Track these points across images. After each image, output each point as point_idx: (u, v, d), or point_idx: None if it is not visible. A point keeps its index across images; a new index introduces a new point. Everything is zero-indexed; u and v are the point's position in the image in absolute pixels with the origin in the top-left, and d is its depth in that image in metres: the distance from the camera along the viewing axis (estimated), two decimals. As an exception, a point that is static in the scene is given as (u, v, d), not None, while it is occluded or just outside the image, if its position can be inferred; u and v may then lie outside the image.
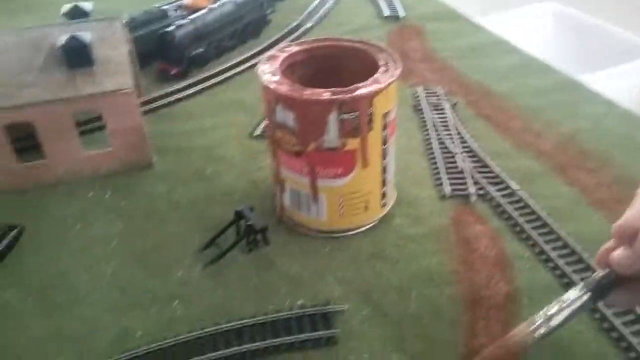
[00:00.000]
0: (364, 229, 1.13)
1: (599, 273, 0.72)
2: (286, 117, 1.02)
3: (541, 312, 0.73)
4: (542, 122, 1.45)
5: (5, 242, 1.12)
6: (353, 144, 1.02)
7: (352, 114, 0.98)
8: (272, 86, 1.01)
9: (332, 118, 0.99)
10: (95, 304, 1.02)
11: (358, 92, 0.97)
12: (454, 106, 1.50)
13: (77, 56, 1.28)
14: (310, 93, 0.98)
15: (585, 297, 0.71)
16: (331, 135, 1.01)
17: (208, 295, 1.02)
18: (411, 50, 1.83)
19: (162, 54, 1.73)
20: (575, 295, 0.71)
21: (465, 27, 2.00)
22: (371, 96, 0.98)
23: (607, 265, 0.71)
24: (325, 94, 0.97)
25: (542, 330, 0.72)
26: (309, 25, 2.03)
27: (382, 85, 0.98)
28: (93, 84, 1.27)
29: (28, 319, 0.99)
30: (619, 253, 0.68)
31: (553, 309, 0.72)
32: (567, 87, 1.61)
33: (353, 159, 1.04)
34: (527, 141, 1.38)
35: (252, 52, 1.85)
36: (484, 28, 1.97)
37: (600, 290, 0.71)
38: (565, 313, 0.71)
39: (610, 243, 0.72)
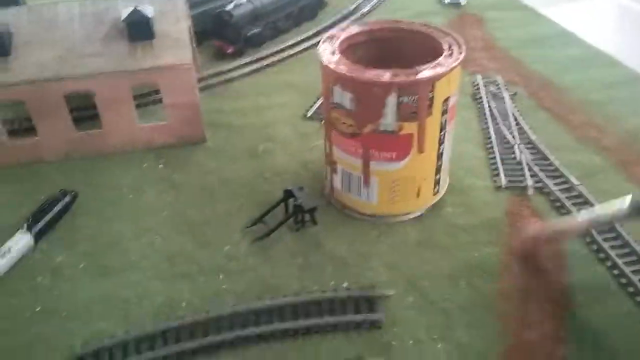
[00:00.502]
0: (414, 215, 1.11)
1: None
2: (343, 97, 1.00)
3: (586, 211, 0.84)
4: (605, 116, 1.39)
5: (58, 207, 1.15)
6: (410, 128, 0.99)
7: (412, 97, 0.96)
8: (331, 65, 1.00)
9: (391, 100, 0.97)
10: (144, 271, 1.03)
11: (420, 75, 0.95)
12: (513, 96, 1.45)
13: (139, 29, 1.30)
14: (369, 74, 0.97)
15: (628, 210, 0.74)
16: (388, 118, 0.99)
17: (254, 271, 1.02)
18: (472, 39, 1.78)
19: (219, 32, 1.74)
20: (622, 205, 0.75)
21: (528, 16, 1.94)
22: (433, 80, 0.95)
23: None
24: (385, 76, 0.95)
25: (586, 222, 0.81)
26: (366, 9, 2.01)
27: (445, 69, 0.96)
28: (153, 57, 1.29)
29: (78, 281, 1.01)
30: None
31: (599, 210, 0.79)
32: (632, 81, 1.53)
33: (409, 143, 1.01)
34: (589, 135, 1.32)
35: (307, 34, 1.83)
36: (547, 18, 1.90)
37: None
38: (608, 215, 0.77)
39: None
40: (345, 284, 0.98)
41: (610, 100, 1.44)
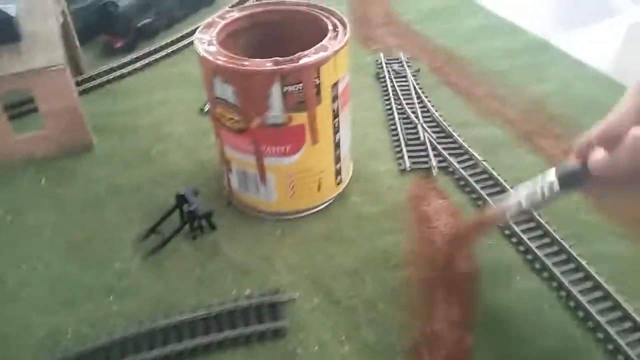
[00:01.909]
0: (317, 209, 1.05)
1: (572, 164, 0.68)
2: (226, 90, 0.93)
3: (512, 192, 0.77)
4: (508, 86, 1.37)
5: None
6: (300, 118, 0.93)
7: (296, 85, 0.89)
8: (209, 57, 0.92)
9: (275, 91, 0.90)
10: (24, 302, 0.93)
11: (302, 62, 0.88)
12: (416, 73, 1.42)
13: (1, 31, 1.17)
14: (250, 64, 0.89)
15: (555, 186, 0.69)
16: (275, 110, 0.92)
17: (147, 289, 0.94)
18: (373, 15, 1.74)
19: (107, 25, 1.61)
20: (547, 183, 0.70)
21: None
22: (317, 65, 0.89)
23: (583, 161, 0.66)
24: (267, 65, 0.88)
25: (511, 212, 0.76)
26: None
27: (328, 53, 0.90)
28: (20, 62, 1.16)
29: (-51, 322, 0.90)
30: (597, 157, 0.62)
31: (523, 192, 0.73)
32: (535, 48, 1.53)
33: (301, 134, 0.95)
34: (492, 108, 1.30)
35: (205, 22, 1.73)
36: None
37: (569, 182, 0.69)
38: (535, 198, 0.71)
39: (591, 136, 0.66)
40: (247, 292, 0.91)
41: (513, 69, 1.43)
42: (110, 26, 1.58)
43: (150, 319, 0.88)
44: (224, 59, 0.91)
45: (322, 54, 0.89)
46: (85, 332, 0.87)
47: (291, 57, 0.89)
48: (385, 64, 1.44)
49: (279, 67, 0.88)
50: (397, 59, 1.48)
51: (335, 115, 0.96)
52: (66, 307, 0.91)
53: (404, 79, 1.37)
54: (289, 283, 0.92)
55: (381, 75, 1.42)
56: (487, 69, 1.41)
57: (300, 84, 0.89)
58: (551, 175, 0.69)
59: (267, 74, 0.88)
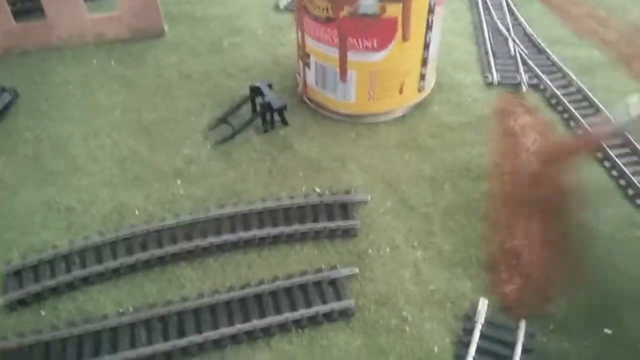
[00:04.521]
0: (396, 115, 0.99)
1: None
2: (315, -27, 0.85)
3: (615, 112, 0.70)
4: (608, 8, 1.25)
5: (-5, 105, 1.02)
6: (394, 10, 0.86)
7: (395, -30, 0.81)
8: None
9: (372, -25, 0.82)
10: (92, 176, 0.92)
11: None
12: (509, -16, 1.30)
13: None
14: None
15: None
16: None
17: (216, 176, 0.91)
18: None
19: None
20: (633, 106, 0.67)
21: None
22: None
23: None
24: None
25: (615, 132, 0.74)
26: None
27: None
28: None
29: (19, 189, 0.90)
30: None
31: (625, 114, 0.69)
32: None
33: (392, 28, 0.88)
34: (589, 28, 1.20)
35: None
36: None
37: None
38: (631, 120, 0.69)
39: None
40: (317, 189, 0.88)
41: (615, -10, 1.30)
42: None
43: (218, 205, 0.85)
44: None
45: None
46: (152, 212, 0.85)
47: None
48: (475, -30, 1.33)
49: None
50: (488, -32, 1.36)
51: (431, 10, 0.88)
52: (134, 185, 0.89)
53: (495, -11, 1.27)
54: (362, 185, 0.88)
55: (470, -17, 1.31)
56: (587, -13, 1.29)
57: (401, -31, 0.81)
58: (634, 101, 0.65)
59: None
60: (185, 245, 0.82)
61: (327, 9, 0.87)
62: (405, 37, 0.87)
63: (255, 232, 0.84)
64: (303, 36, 0.94)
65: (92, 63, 1.10)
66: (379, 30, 0.87)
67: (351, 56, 0.90)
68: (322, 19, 0.87)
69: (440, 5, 0.87)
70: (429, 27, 0.89)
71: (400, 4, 0.83)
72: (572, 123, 0.91)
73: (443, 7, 0.89)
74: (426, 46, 0.92)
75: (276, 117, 0.98)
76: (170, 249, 0.82)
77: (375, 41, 0.88)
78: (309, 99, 0.97)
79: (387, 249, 0.79)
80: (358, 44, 0.88)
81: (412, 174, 0.86)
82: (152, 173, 0.89)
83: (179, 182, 0.88)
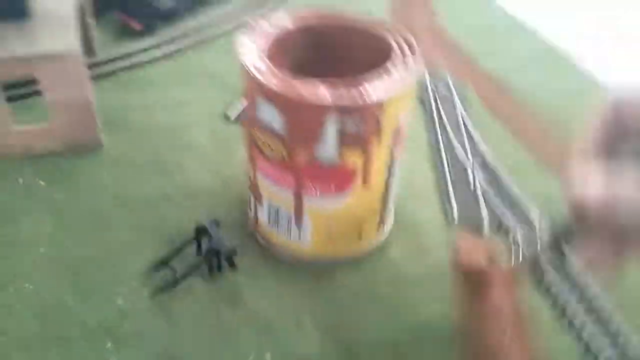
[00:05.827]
0: (355, 260, 0.92)
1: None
2: (270, 115, 0.79)
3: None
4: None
5: None
6: (354, 157, 0.80)
7: (356, 118, 0.76)
8: (256, 74, 0.78)
9: (330, 125, 0.76)
10: (5, 335, 0.79)
11: (368, 93, 0.74)
12: (465, 99, 1.29)
13: (8, 5, 1.02)
14: (304, 90, 0.75)
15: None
16: (327, 146, 0.78)
17: (152, 337, 0.80)
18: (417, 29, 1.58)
19: (123, 2, 1.45)
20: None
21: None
22: (385, 95, 0.75)
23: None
24: (322, 92, 0.74)
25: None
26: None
27: (398, 83, 0.76)
28: (28, 43, 1.01)
29: None
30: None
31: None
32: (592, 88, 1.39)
33: (352, 175, 0.82)
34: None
35: (238, 8, 1.57)
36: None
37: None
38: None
39: None
40: (267, 356, 0.78)
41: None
42: (127, 3, 1.42)
43: (152, 380, 0.74)
44: (275, 81, 0.76)
45: (390, 83, 0.75)
46: (73, 386, 0.73)
47: (352, 81, 0.75)
48: (430, 84, 1.31)
49: (338, 99, 0.74)
50: (443, 80, 1.34)
51: (393, 154, 0.82)
52: (56, 347, 0.77)
53: (451, 105, 1.24)
54: (318, 350, 0.79)
55: (425, 99, 1.28)
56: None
57: (360, 117, 0.75)
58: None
59: (324, 107, 0.74)
60: None
61: (280, 152, 0.80)
62: (365, 184, 0.80)
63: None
64: (255, 173, 0.86)
65: (18, 182, 0.97)
66: (338, 177, 0.80)
67: (307, 201, 0.82)
68: (276, 160, 0.79)
69: (401, 146, 0.81)
70: (390, 171, 0.83)
71: (360, 150, 0.76)
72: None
73: (404, 144, 0.83)
74: (387, 190, 0.85)
75: (224, 261, 0.89)
76: None
77: (333, 187, 0.81)
78: (261, 237, 0.88)
79: None
80: (315, 189, 0.81)
81: (373, 338, 0.77)
82: (79, 331, 0.77)
83: (109, 344, 0.76)
